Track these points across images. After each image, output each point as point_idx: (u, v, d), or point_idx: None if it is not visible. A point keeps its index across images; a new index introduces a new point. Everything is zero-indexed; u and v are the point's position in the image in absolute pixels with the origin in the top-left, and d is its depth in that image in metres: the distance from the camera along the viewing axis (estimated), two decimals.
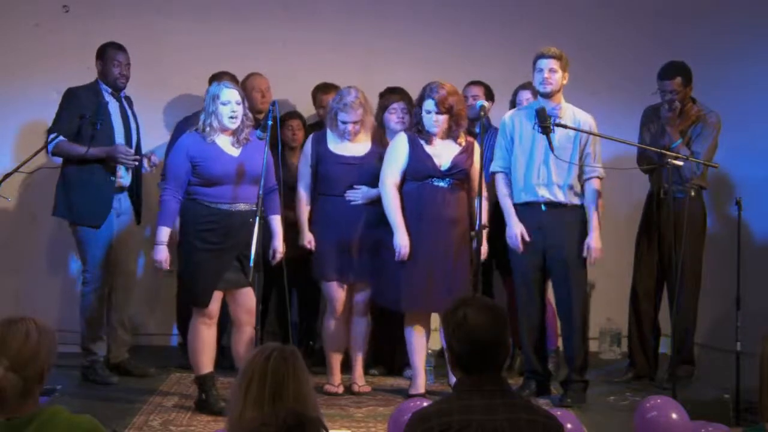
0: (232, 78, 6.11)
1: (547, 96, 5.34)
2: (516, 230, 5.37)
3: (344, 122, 5.51)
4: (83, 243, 5.76)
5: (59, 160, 5.80)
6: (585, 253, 5.33)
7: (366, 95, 5.57)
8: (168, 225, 5.11)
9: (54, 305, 6.54)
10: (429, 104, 5.41)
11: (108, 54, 5.81)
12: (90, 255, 5.75)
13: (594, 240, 5.34)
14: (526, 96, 5.93)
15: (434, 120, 5.40)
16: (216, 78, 6.15)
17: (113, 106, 5.81)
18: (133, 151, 5.71)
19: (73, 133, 5.65)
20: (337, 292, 5.56)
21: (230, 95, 5.11)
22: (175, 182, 5.11)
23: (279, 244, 5.25)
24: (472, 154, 5.49)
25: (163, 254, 5.09)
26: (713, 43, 6.63)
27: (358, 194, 5.52)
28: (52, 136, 5.63)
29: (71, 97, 5.74)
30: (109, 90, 5.81)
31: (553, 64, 5.31)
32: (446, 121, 5.42)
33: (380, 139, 5.67)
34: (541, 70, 5.32)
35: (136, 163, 5.71)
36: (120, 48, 5.85)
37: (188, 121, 6.12)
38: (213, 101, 5.10)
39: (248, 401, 2.49)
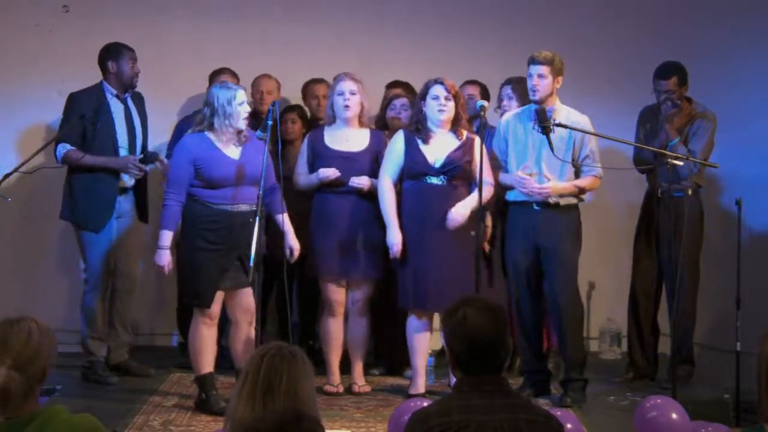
0: (233, 75, 6.09)
1: (537, 103, 5.32)
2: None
3: (341, 93, 5.50)
4: (85, 245, 5.79)
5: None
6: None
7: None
8: (171, 229, 5.10)
9: (59, 305, 6.53)
10: (438, 89, 5.38)
11: (122, 53, 5.79)
12: (91, 257, 5.77)
13: (549, 184, 5.28)
14: (507, 91, 5.90)
15: (442, 105, 5.37)
16: (217, 74, 6.14)
17: (117, 108, 5.79)
18: (138, 160, 5.64)
19: (78, 138, 5.64)
20: (335, 293, 5.53)
21: (244, 96, 5.12)
22: (178, 186, 5.10)
23: (293, 241, 5.26)
24: (471, 150, 5.43)
25: (165, 259, 5.08)
26: (712, 42, 6.62)
27: (364, 180, 5.47)
28: (59, 147, 5.62)
29: (73, 101, 5.73)
30: (114, 92, 5.79)
31: (542, 69, 5.27)
32: (453, 108, 5.41)
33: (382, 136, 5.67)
34: (531, 76, 5.31)
35: (144, 173, 5.65)
36: (129, 47, 5.85)
37: (188, 120, 6.11)
38: (229, 103, 5.03)
39: (242, 398, 2.53)
